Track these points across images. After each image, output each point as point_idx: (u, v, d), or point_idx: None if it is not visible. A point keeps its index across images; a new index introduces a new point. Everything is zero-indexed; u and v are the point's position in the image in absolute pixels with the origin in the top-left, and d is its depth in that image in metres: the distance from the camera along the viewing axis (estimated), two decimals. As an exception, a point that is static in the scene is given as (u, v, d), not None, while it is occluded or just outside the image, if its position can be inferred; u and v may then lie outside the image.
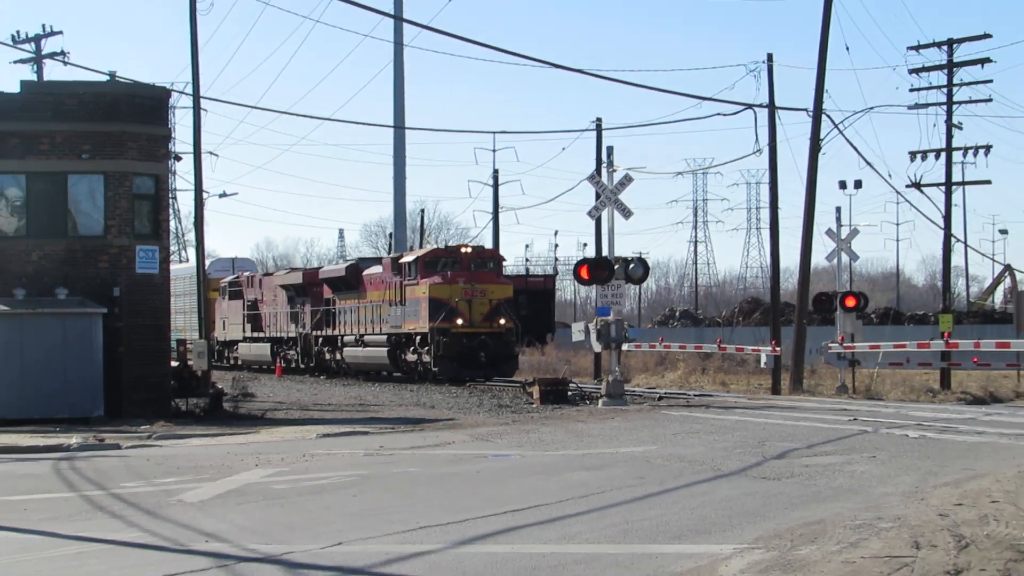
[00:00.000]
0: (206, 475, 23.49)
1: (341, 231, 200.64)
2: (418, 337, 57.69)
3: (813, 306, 55.90)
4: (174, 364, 42.15)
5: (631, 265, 43.58)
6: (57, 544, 16.23)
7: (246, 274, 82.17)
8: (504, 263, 65.83)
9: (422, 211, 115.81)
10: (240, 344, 79.55)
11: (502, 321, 57.29)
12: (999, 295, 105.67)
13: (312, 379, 66.30)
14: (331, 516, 18.28)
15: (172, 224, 51.47)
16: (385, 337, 60.73)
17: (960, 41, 62.40)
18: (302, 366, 71.06)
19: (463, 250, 59.37)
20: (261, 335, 76.69)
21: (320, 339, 69.07)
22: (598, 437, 30.98)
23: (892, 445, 27.59)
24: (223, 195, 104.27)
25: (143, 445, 30.46)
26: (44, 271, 37.95)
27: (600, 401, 42.61)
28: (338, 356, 67.24)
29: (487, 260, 59.96)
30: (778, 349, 52.24)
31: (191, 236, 62.01)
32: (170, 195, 42.52)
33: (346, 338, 65.91)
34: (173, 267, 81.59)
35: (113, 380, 37.22)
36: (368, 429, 34.23)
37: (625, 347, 46.34)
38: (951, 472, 22.11)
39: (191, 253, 66.22)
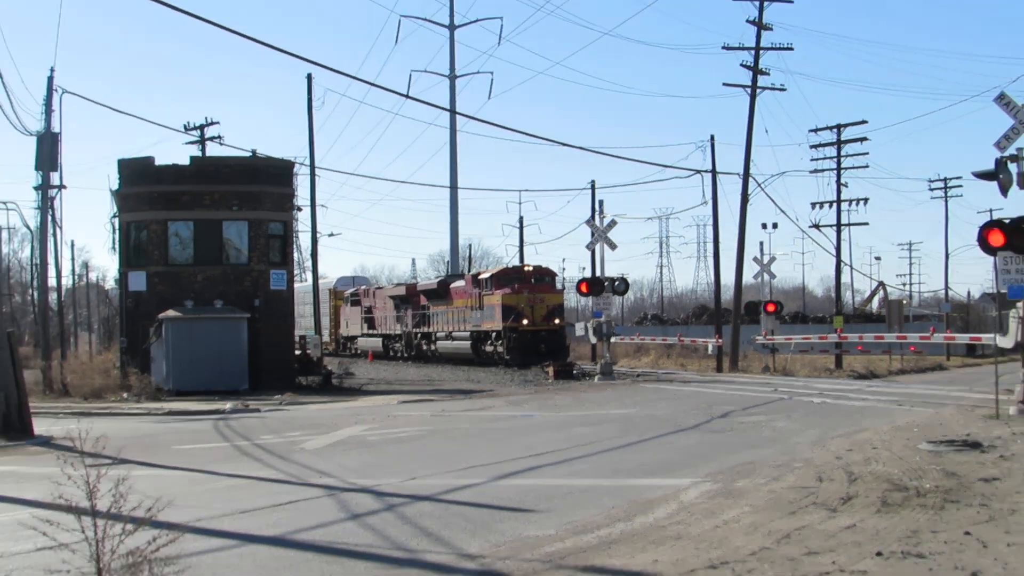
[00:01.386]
0: (320, 430, 23.49)
1: (413, 260, 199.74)
2: (493, 333, 55.25)
3: (744, 310, 55.81)
4: (297, 352, 42.39)
5: (616, 283, 44.04)
6: (215, 479, 16.24)
7: (363, 287, 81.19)
8: (556, 277, 61.30)
9: (470, 245, 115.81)
10: (359, 339, 77.85)
11: (556, 321, 54.65)
12: (875, 303, 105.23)
13: (394, 363, 65.84)
14: (407, 459, 18.22)
15: (295, 255, 51.76)
16: (468, 333, 58.23)
17: (845, 126, 61.95)
18: (405, 355, 68.24)
19: (526, 268, 57.11)
20: (374, 332, 74.47)
21: (419, 335, 66.68)
22: (595, 403, 30.89)
23: (802, 408, 27.46)
24: (331, 235, 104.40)
25: (276, 409, 30.49)
26: (206, 288, 38.28)
27: (596, 377, 42.61)
28: (433, 347, 64.50)
29: (544, 275, 56.63)
30: (720, 340, 52.08)
31: (308, 264, 61.86)
32: (294, 235, 42.63)
33: (438, 334, 63.47)
34: (309, 284, 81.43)
35: (255, 364, 37.46)
36: (433, 397, 34.21)
37: (613, 339, 46.31)
38: (844, 427, 21.95)
39: (308, 276, 65.98)
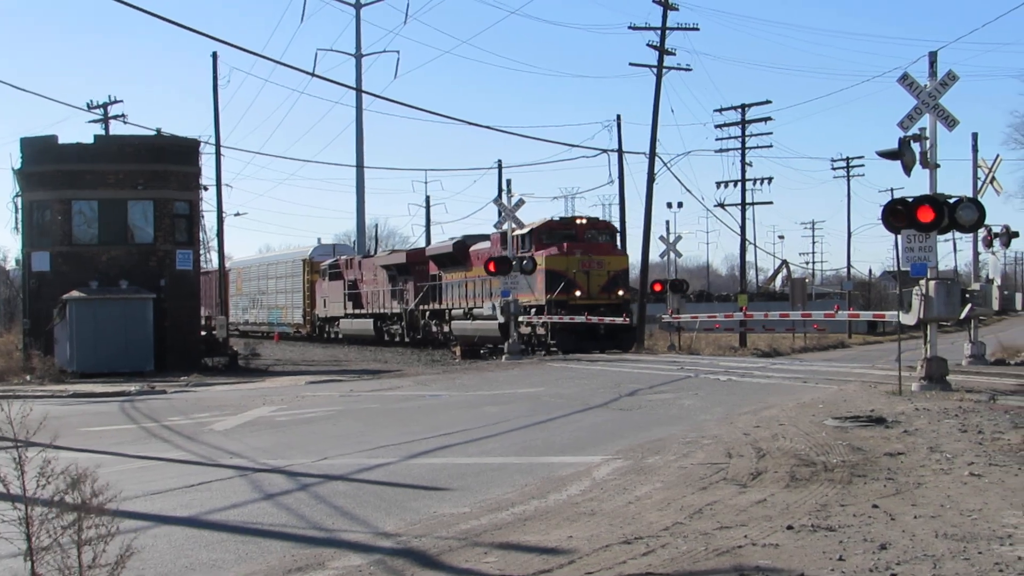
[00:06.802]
0: (228, 411, 23.31)
1: (319, 239, 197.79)
2: (533, 309, 43.98)
3: (651, 290, 56.25)
4: (203, 334, 42.07)
5: (524, 262, 43.57)
6: (124, 461, 16.05)
7: (344, 257, 68.22)
8: (617, 234, 49.55)
9: (376, 225, 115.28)
10: (342, 320, 65.14)
11: (620, 292, 44.57)
12: (779, 281, 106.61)
13: (300, 344, 65.34)
14: (318, 439, 18.14)
15: (201, 235, 50.79)
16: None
17: (750, 105, 62.93)
18: (407, 339, 56.19)
19: (578, 221, 45.22)
20: (362, 311, 61.92)
21: (427, 313, 54.57)
22: (503, 382, 30.90)
23: (708, 386, 27.67)
24: (237, 214, 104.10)
25: (182, 390, 30.24)
26: (111, 268, 37.95)
27: (504, 357, 42.55)
28: (445, 328, 52.55)
29: (602, 231, 46.09)
30: (627, 319, 52.33)
31: (214, 243, 61.23)
32: (200, 214, 42.27)
33: (454, 311, 51.40)
34: (279, 253, 76.97)
35: (160, 344, 37.24)
36: (341, 378, 34.14)
37: (520, 318, 46.11)
38: (750, 404, 22.15)
39: (214, 256, 64.98)
